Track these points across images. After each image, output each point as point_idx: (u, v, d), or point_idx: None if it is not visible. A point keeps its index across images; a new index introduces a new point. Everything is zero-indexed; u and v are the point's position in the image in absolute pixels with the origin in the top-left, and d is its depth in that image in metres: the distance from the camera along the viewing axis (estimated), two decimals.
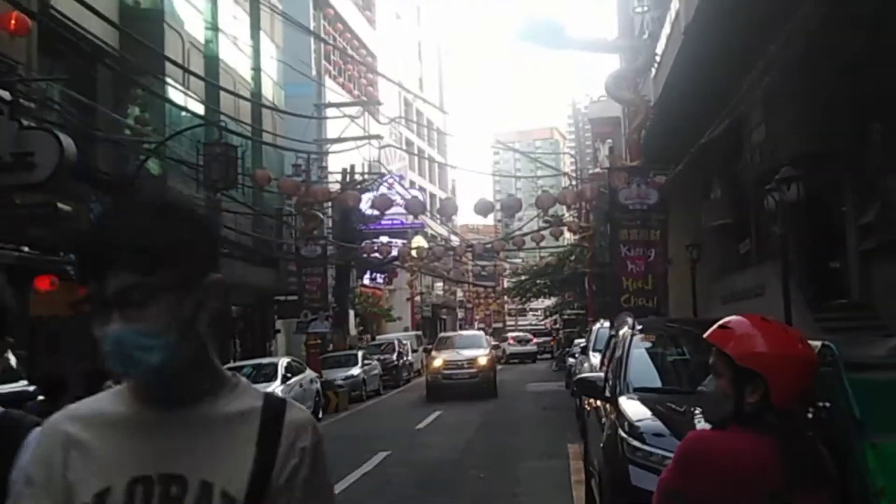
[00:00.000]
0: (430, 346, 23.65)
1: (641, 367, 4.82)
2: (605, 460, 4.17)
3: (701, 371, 4.96)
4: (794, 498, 1.55)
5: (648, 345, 4.97)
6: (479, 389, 17.24)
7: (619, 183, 8.74)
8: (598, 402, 4.88)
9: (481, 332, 24.91)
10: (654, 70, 11.96)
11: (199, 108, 15.94)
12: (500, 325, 66.24)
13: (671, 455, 3.70)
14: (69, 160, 7.58)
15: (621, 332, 5.26)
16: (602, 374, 4.84)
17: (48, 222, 8.84)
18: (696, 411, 3.92)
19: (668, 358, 5.10)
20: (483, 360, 18.21)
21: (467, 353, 18.24)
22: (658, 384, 4.78)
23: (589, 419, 5.69)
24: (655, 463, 3.74)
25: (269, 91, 22.19)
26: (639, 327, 5.12)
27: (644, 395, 4.42)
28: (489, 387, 17.73)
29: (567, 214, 30.80)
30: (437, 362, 18.21)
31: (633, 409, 4.18)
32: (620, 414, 4.17)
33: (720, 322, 1.77)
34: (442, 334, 26.60)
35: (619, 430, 3.99)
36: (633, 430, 3.91)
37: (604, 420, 4.56)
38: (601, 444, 4.34)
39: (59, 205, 8.36)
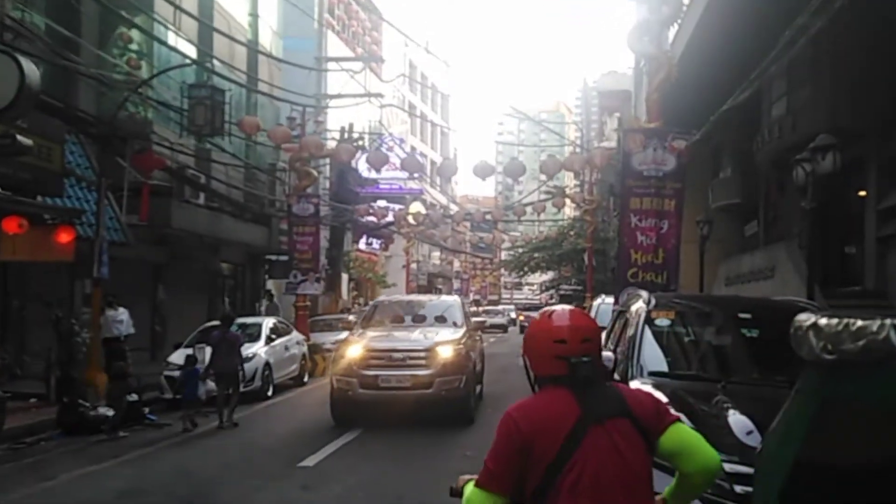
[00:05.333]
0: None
1: (658, 348, 4.21)
2: None
3: (731, 354, 4.32)
4: (597, 428, 1.89)
5: (667, 323, 4.32)
6: (436, 407, 9.01)
7: (633, 146, 8.05)
8: None
9: (455, 299, 12.82)
10: (674, 28, 11.18)
11: (192, 52, 15.12)
12: (495, 297, 65.95)
13: None
14: (31, 89, 6.83)
15: (633, 308, 4.63)
16: (610, 354, 4.20)
17: (7, 157, 8.15)
18: (728, 403, 3.34)
19: (690, 339, 4.47)
20: (447, 352, 9.16)
21: (418, 338, 9.61)
22: (677, 368, 4.18)
23: None
24: None
25: (267, 41, 21.34)
26: (654, 302, 4.49)
27: (661, 380, 3.82)
28: (460, 404, 9.16)
29: (570, 187, 30.15)
30: (354, 352, 9.27)
31: None
32: None
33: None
34: (380, 298, 14.91)
35: None
36: None
37: None
38: None
39: (19, 137, 7.66)
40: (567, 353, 1.94)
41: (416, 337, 9.72)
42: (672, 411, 2.02)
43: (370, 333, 9.95)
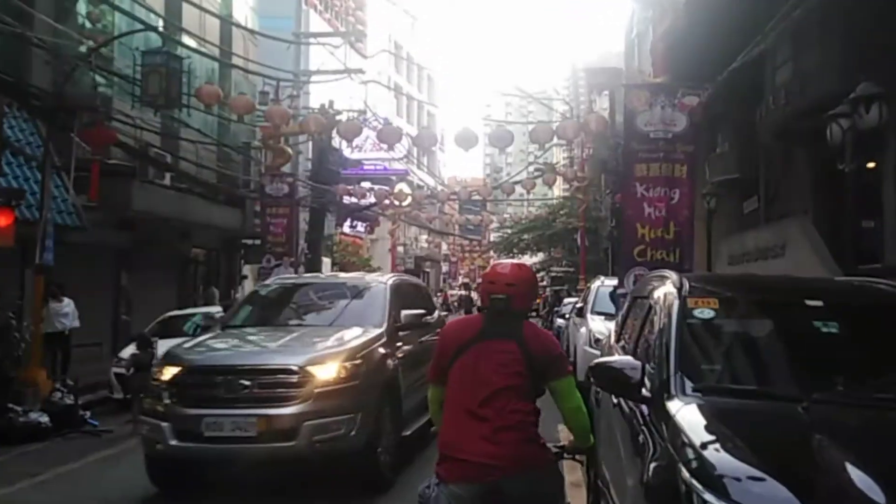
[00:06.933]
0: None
1: (701, 351, 3.08)
2: None
3: (805, 360, 2.95)
4: (486, 342, 2.75)
5: (710, 314, 3.07)
6: (312, 469, 5.75)
7: (637, 104, 7.00)
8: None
9: (385, 280, 7.25)
10: None
11: (159, 24, 13.92)
12: None
13: None
14: None
15: (658, 294, 3.46)
16: (634, 361, 2.99)
17: None
18: (833, 447, 2.24)
19: (745, 337, 3.22)
20: (328, 374, 5.39)
21: (283, 348, 5.83)
22: (734, 381, 2.97)
23: (600, 410, 3.97)
24: None
25: (242, 18, 20.23)
26: (689, 287, 3.25)
27: (713, 399, 2.68)
28: (351, 462, 5.52)
29: (560, 163, 29.10)
30: (166, 374, 5.55)
31: (698, 426, 2.46)
32: (677, 434, 2.45)
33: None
34: (268, 280, 9.34)
35: (679, 468, 2.28)
36: (705, 469, 2.21)
37: (641, 433, 2.82)
38: (642, 480, 2.60)
39: None
40: (493, 291, 2.78)
41: (280, 346, 5.78)
42: (569, 366, 2.84)
43: (224, 336, 6.25)
